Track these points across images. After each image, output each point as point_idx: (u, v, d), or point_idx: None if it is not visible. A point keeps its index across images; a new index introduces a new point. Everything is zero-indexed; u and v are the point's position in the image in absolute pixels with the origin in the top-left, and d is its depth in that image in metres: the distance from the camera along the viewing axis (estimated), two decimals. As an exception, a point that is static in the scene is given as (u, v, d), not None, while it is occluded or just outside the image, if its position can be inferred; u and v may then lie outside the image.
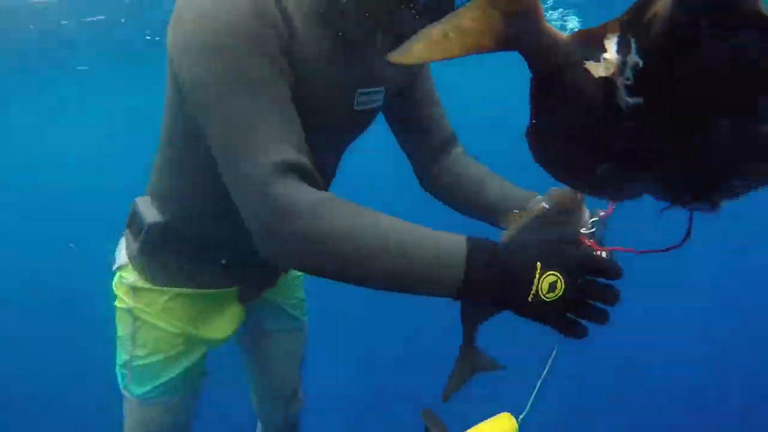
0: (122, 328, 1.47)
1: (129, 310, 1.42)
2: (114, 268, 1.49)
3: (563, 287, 0.80)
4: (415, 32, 0.73)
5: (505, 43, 0.69)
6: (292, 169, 0.88)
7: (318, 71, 1.01)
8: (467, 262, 0.82)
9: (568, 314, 0.82)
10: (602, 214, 0.93)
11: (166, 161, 1.26)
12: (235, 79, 0.88)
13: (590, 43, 0.63)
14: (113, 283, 1.51)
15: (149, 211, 1.34)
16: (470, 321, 1.18)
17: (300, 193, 0.86)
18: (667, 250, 0.82)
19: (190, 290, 1.41)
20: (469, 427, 0.93)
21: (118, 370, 1.49)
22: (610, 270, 0.81)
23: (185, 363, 1.45)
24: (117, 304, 1.48)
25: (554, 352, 0.98)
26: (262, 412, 1.85)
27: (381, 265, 0.84)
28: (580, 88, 0.64)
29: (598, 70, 0.63)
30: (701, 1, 0.53)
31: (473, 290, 0.84)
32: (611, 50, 0.62)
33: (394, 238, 0.84)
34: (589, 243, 0.91)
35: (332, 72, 1.03)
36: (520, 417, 0.95)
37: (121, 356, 1.47)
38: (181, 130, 1.13)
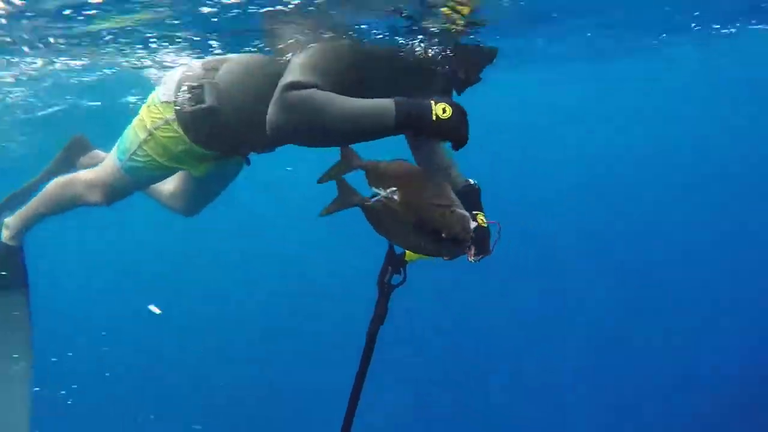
0: (135, 135, 2.30)
1: (151, 133, 2.24)
2: (160, 96, 2.22)
3: (451, 109, 1.55)
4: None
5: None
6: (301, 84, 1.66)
7: None
8: (395, 109, 1.58)
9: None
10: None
11: (249, 83, 2.10)
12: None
13: None
14: (150, 100, 2.26)
15: (212, 96, 2.12)
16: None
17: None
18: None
19: (199, 148, 2.23)
20: None
21: (118, 149, 2.38)
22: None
23: (162, 175, 2.42)
24: (145, 119, 2.27)
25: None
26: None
27: (350, 117, 1.60)
28: None
29: None
30: None
31: (402, 121, 1.57)
32: None
33: (359, 104, 1.62)
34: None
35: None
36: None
37: (124, 145, 2.34)
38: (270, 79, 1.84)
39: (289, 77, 1.67)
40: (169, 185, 2.74)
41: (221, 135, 2.19)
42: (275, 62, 2.06)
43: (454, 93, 2.05)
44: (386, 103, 1.60)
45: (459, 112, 1.58)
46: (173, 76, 2.29)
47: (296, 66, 1.73)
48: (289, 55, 1.94)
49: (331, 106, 1.60)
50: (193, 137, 2.20)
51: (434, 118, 1.55)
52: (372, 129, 1.62)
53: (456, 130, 1.58)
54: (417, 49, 2.07)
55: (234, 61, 2.23)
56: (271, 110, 1.65)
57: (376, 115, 1.60)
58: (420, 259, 1.79)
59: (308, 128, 1.63)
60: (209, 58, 2.29)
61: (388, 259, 1.82)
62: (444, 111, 1.55)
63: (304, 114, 1.61)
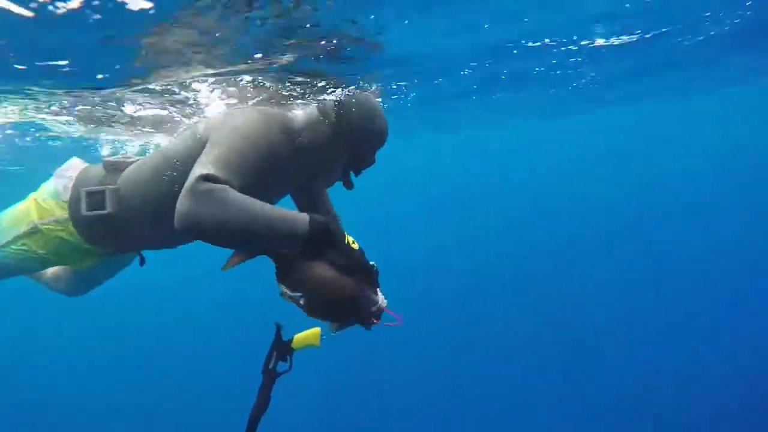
0: (15, 223, 2.16)
1: (37, 227, 2.12)
2: (53, 193, 2.14)
3: (358, 246, 1.76)
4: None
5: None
6: (215, 178, 1.65)
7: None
8: (309, 223, 1.67)
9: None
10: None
11: (151, 188, 2.00)
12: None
13: None
14: (41, 192, 2.18)
15: (113, 202, 2.04)
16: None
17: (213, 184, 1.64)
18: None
19: (90, 246, 2.14)
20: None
21: None
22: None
23: (38, 268, 2.29)
24: (32, 211, 2.14)
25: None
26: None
27: (262, 222, 1.60)
28: None
29: None
30: None
31: (315, 234, 1.66)
32: None
33: (274, 212, 1.63)
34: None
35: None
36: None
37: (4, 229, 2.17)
38: (171, 185, 1.90)
39: (203, 169, 1.65)
40: (51, 268, 2.58)
41: (118, 237, 2.13)
42: (182, 165, 1.94)
43: (352, 175, 2.17)
44: (300, 216, 1.68)
45: (362, 251, 1.81)
46: (68, 172, 2.19)
47: (210, 159, 1.70)
48: (197, 134, 1.94)
49: (242, 207, 1.58)
50: (87, 238, 2.12)
51: (345, 241, 1.74)
52: (283, 236, 1.63)
53: (360, 259, 1.77)
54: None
55: (138, 165, 2.12)
56: (181, 199, 1.60)
57: (289, 224, 1.63)
58: (308, 346, 1.81)
59: (218, 222, 1.57)
60: (111, 158, 2.18)
61: (274, 346, 1.82)
62: (354, 242, 1.77)
63: (214, 207, 1.57)
